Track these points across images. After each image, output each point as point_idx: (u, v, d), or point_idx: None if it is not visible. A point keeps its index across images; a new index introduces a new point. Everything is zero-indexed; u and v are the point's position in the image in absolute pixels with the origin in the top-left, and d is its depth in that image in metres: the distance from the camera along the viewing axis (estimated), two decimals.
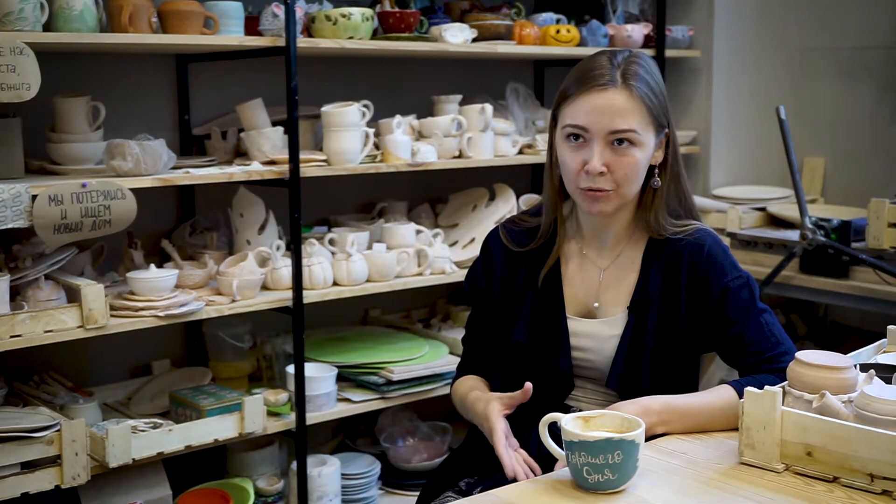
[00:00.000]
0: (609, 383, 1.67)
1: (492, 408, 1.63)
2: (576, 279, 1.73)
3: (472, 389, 1.76)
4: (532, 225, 1.77)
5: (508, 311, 1.75)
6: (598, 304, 1.71)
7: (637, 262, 1.71)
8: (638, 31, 3.24)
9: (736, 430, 1.44)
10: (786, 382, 1.42)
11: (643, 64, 1.65)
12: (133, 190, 2.19)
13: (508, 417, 1.64)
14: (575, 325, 1.71)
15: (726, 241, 3.09)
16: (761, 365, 1.62)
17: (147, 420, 2.37)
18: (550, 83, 3.54)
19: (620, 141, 1.60)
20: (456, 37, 2.80)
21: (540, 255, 1.75)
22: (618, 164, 1.61)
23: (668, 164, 1.70)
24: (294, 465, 2.62)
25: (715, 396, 1.58)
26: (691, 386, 1.71)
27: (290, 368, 2.58)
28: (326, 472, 2.65)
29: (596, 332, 1.69)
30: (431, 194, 3.28)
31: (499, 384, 1.77)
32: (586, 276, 1.73)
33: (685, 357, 1.69)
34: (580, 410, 1.63)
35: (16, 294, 2.20)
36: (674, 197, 1.72)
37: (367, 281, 2.68)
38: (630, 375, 1.66)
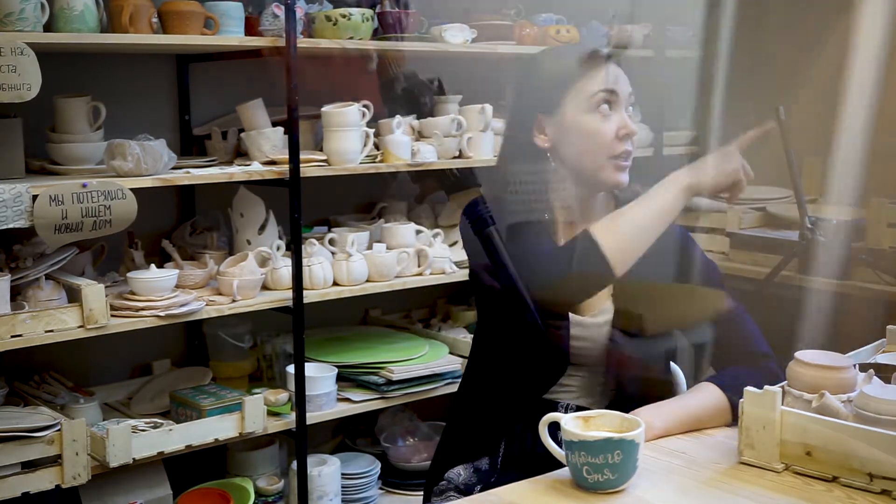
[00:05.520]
0: (608, 366, 1.67)
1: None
2: None
3: None
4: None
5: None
6: None
7: None
8: (638, 31, 3.24)
9: (734, 427, 1.44)
10: (785, 382, 1.42)
11: None
12: (133, 190, 2.20)
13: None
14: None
15: (725, 241, 3.11)
16: (736, 359, 1.64)
17: (147, 420, 2.37)
18: None
19: (633, 105, 1.67)
20: (456, 37, 2.80)
21: None
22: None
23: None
24: (294, 464, 2.62)
25: (703, 399, 1.58)
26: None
27: (291, 368, 2.58)
28: (326, 472, 2.65)
29: (588, 321, 1.68)
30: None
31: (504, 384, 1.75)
32: None
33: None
34: (575, 406, 1.65)
35: (16, 294, 2.20)
36: None
37: (367, 281, 2.68)
38: (625, 357, 1.66)
